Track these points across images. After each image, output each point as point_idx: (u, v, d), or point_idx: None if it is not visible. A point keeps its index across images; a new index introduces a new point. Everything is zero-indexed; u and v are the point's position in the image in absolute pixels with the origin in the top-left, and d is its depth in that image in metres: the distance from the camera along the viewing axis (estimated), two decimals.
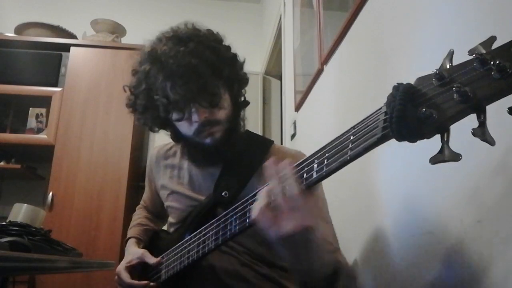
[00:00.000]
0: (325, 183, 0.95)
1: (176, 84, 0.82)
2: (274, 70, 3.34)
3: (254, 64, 3.52)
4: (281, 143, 2.47)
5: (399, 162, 0.91)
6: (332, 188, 0.99)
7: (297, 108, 2.02)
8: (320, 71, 1.63)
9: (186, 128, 0.90)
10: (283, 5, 2.55)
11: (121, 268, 0.98)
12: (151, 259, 0.95)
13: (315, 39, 1.72)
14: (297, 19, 2.18)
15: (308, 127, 1.85)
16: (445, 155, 0.42)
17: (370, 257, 1.04)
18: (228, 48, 0.94)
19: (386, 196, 0.98)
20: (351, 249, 1.12)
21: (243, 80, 0.97)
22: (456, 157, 0.41)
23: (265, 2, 3.61)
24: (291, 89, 2.21)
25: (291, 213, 0.56)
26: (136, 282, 0.94)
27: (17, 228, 1.04)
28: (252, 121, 3.30)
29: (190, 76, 0.81)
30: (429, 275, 0.76)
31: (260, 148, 0.99)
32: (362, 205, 1.11)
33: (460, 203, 0.68)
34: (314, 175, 0.57)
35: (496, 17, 0.62)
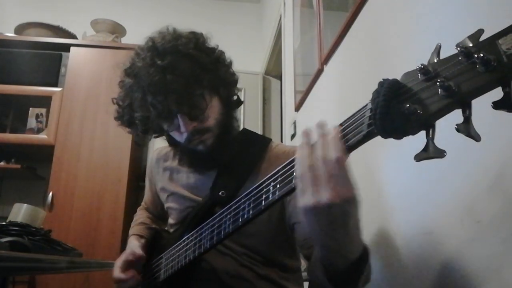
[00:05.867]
0: None
1: (155, 101, 0.82)
2: (274, 70, 3.34)
3: (254, 64, 3.52)
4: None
5: (399, 162, 0.91)
6: None
7: (297, 108, 2.02)
8: (320, 71, 1.63)
9: (177, 136, 0.90)
10: (283, 5, 2.55)
11: (116, 264, 0.99)
12: (139, 251, 0.97)
13: (315, 39, 1.72)
14: (297, 19, 2.18)
15: (308, 127, 1.84)
16: (429, 152, 0.41)
17: (370, 257, 1.04)
18: (211, 51, 0.91)
19: (386, 196, 0.98)
20: None
21: (230, 82, 0.95)
22: (440, 153, 0.41)
23: (265, 2, 3.61)
24: (291, 89, 2.21)
25: (331, 181, 0.48)
26: (122, 276, 0.95)
27: (17, 228, 1.04)
28: (252, 121, 3.32)
29: (167, 91, 0.80)
30: (429, 275, 0.76)
31: (258, 146, 0.98)
32: (364, 204, 1.11)
33: (460, 204, 0.68)
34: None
35: (495, 17, 0.62)
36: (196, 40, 0.88)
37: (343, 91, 1.36)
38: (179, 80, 0.80)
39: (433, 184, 0.77)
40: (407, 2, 0.93)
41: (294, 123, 2.09)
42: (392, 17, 1.00)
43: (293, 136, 2.12)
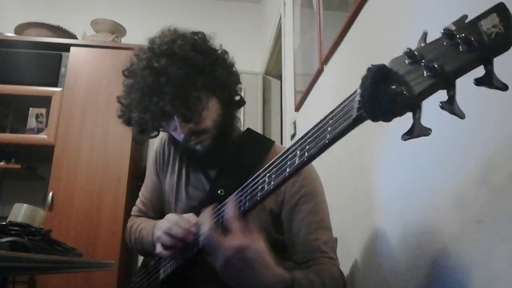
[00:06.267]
0: (324, 183, 0.95)
1: (150, 102, 0.83)
2: (274, 70, 3.34)
3: (254, 64, 3.52)
4: (281, 143, 2.46)
5: (399, 162, 0.91)
6: (332, 188, 0.99)
7: (297, 108, 2.02)
8: (320, 71, 1.63)
9: (176, 135, 0.92)
10: (283, 5, 2.55)
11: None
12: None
13: (315, 39, 1.72)
14: (297, 19, 2.18)
15: (308, 127, 1.84)
16: (415, 131, 0.42)
17: (370, 257, 1.04)
18: (210, 52, 0.90)
19: (386, 196, 0.98)
20: (351, 249, 1.12)
21: (230, 83, 0.94)
22: (426, 131, 0.42)
23: (265, 2, 3.61)
24: (291, 89, 2.21)
25: (226, 238, 0.64)
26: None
27: (17, 228, 1.04)
28: (252, 121, 3.31)
29: (161, 94, 0.81)
30: (429, 275, 0.76)
31: (260, 147, 0.98)
32: (362, 205, 1.11)
33: (460, 203, 0.68)
34: (297, 161, 0.58)
35: None
36: (194, 42, 0.88)
37: (343, 91, 1.36)
38: (173, 83, 0.81)
39: (433, 184, 0.77)
40: (407, 2, 0.93)
41: (294, 123, 2.09)
42: (392, 17, 1.00)
43: (293, 136, 2.12)
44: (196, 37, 0.90)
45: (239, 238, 0.64)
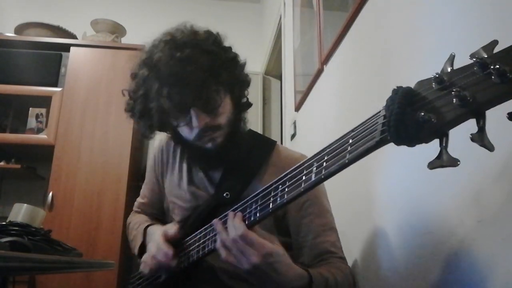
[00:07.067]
0: (325, 183, 0.95)
1: (171, 92, 0.81)
2: (274, 70, 3.34)
3: (254, 64, 3.52)
4: (281, 143, 2.46)
5: (399, 162, 0.91)
6: (332, 188, 0.99)
7: (297, 108, 2.02)
8: (320, 71, 1.62)
9: (186, 132, 0.89)
10: (283, 5, 2.55)
11: (159, 241, 0.87)
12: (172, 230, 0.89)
13: (315, 39, 1.72)
14: (297, 19, 2.18)
15: (308, 127, 1.85)
16: (443, 160, 0.41)
17: (371, 257, 1.04)
18: (228, 50, 0.91)
19: (386, 196, 0.98)
20: (351, 249, 1.12)
21: (245, 82, 0.95)
22: (454, 162, 0.41)
23: (265, 2, 3.61)
24: (291, 89, 2.21)
25: (243, 252, 0.68)
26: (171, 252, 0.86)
27: (17, 228, 1.04)
28: (252, 121, 3.30)
29: (185, 83, 0.80)
30: (429, 275, 0.76)
31: (262, 148, 0.98)
32: (363, 205, 1.11)
33: (461, 203, 0.68)
34: (313, 177, 0.57)
35: (497, 18, 0.62)
36: (215, 38, 0.89)
37: (343, 91, 1.36)
38: (197, 73, 0.80)
39: (433, 183, 0.77)
40: (407, 2, 0.93)
41: (294, 123, 2.09)
42: (392, 17, 1.00)
43: (293, 136, 2.12)
44: (215, 34, 0.91)
45: (261, 247, 0.67)
